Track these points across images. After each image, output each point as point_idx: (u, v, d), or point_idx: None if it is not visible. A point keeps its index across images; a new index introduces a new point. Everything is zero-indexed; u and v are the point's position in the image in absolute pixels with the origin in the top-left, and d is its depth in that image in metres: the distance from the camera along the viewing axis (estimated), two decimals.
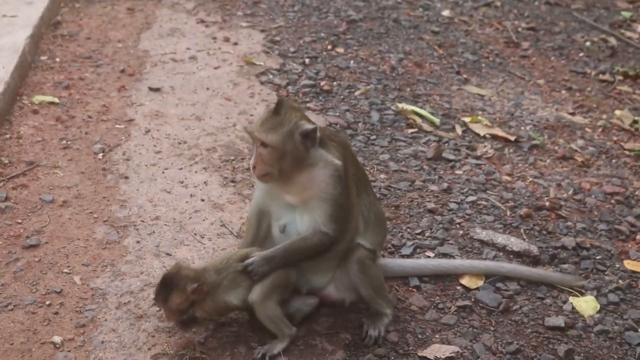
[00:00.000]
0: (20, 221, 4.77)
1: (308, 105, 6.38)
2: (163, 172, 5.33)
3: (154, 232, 4.72)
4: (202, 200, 5.05)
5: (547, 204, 5.27)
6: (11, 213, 4.83)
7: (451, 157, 5.82)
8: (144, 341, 3.89)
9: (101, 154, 5.49)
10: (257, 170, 3.82)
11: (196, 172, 5.36)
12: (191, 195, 5.09)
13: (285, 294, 3.92)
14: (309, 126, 3.76)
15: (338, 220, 3.88)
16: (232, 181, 5.23)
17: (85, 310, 4.07)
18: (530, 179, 5.64)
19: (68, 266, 4.41)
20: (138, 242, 4.63)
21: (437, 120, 6.36)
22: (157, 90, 6.49)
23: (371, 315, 4.09)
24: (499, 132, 6.30)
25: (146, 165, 5.40)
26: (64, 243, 4.60)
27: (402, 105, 6.48)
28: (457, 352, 3.96)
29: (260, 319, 3.85)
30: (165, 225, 4.80)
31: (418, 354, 3.94)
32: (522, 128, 6.45)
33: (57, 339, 3.87)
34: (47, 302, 4.12)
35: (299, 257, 3.97)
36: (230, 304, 3.86)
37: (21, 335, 3.89)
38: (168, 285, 3.75)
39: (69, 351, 3.81)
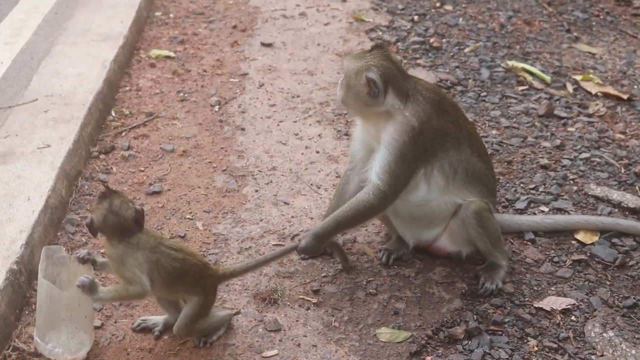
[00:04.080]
0: (142, 169, 4.95)
1: (418, 61, 6.40)
2: (278, 125, 5.45)
3: (271, 181, 4.85)
4: (317, 152, 5.15)
5: None
6: (134, 161, 5.02)
7: (563, 114, 5.77)
8: (265, 284, 4.03)
9: (217, 107, 5.64)
10: (337, 89, 4.11)
11: (310, 125, 5.46)
12: (306, 147, 5.20)
13: (205, 316, 3.66)
14: (372, 75, 3.87)
15: (393, 174, 3.90)
16: (346, 134, 5.32)
17: (208, 254, 4.22)
18: None
19: (190, 212, 4.57)
20: (256, 190, 4.76)
21: (548, 78, 6.30)
22: (269, 45, 6.61)
23: (487, 268, 4.13)
24: (611, 90, 6.21)
25: (261, 118, 5.53)
26: (185, 190, 4.76)
27: (512, 63, 6.45)
28: (574, 304, 3.98)
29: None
30: (282, 175, 4.92)
31: (534, 305, 3.97)
32: (635, 87, 6.34)
33: None
34: None
35: (349, 226, 4.14)
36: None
37: None
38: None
39: None
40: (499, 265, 4.10)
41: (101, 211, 3.44)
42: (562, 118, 5.73)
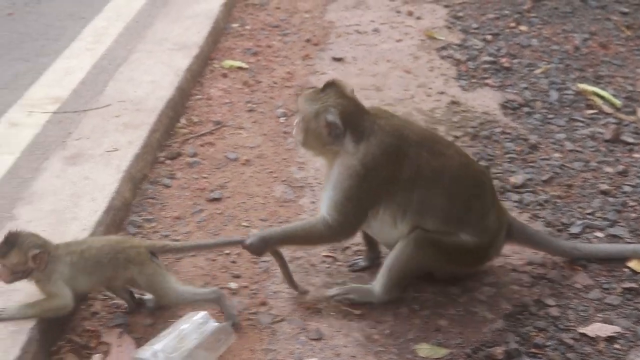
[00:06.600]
0: (205, 176, 5.12)
1: (486, 81, 6.43)
2: None
3: None
4: None
5: None
6: (198, 168, 5.19)
7: (630, 140, 5.70)
8: (311, 294, 4.12)
9: (283, 118, 5.78)
10: (294, 132, 4.09)
11: None
12: None
13: (166, 276, 3.86)
14: (330, 117, 3.85)
15: (342, 212, 3.91)
16: None
17: (260, 261, 4.32)
18: None
19: (247, 220, 4.70)
20: (313, 202, 4.86)
21: (618, 103, 6.24)
22: (339, 60, 6.73)
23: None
24: None
25: None
26: (244, 198, 4.90)
27: (583, 86, 6.41)
28: (619, 332, 3.94)
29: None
30: None
31: (578, 330, 3.95)
32: None
33: (233, 285, 4.16)
34: (226, 252, 4.41)
35: (297, 243, 4.17)
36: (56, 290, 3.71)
37: (201, 279, 4.20)
38: (11, 242, 3.64)
39: (243, 297, 4.09)
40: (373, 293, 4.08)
41: (31, 250, 3.64)
42: (629, 144, 5.67)
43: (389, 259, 4.04)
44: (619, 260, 4.44)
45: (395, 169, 3.92)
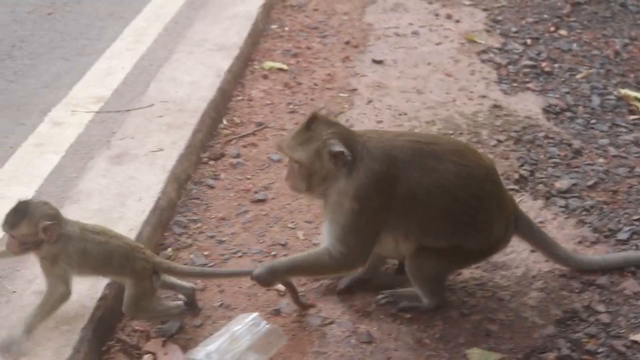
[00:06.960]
0: (249, 177, 5.11)
1: (528, 85, 6.40)
2: None
3: None
4: None
5: None
6: (242, 169, 5.19)
7: None
8: (361, 296, 4.10)
9: None
10: (288, 183, 3.96)
11: None
12: None
13: (152, 297, 3.77)
14: (336, 148, 3.68)
15: (344, 244, 3.79)
16: None
17: None
18: None
19: (292, 221, 4.70)
20: None
21: None
22: (379, 62, 6.71)
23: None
24: None
25: None
26: (289, 200, 4.89)
27: (625, 91, 6.37)
28: None
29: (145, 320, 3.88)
30: None
31: (630, 337, 3.92)
32: None
33: (281, 287, 4.12)
34: (273, 253, 4.42)
35: (304, 274, 4.10)
36: (63, 268, 3.61)
37: (249, 281, 4.17)
38: (22, 212, 3.52)
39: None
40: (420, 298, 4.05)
41: (42, 221, 3.53)
42: None
43: (407, 271, 4.01)
44: None
45: (387, 196, 3.79)
